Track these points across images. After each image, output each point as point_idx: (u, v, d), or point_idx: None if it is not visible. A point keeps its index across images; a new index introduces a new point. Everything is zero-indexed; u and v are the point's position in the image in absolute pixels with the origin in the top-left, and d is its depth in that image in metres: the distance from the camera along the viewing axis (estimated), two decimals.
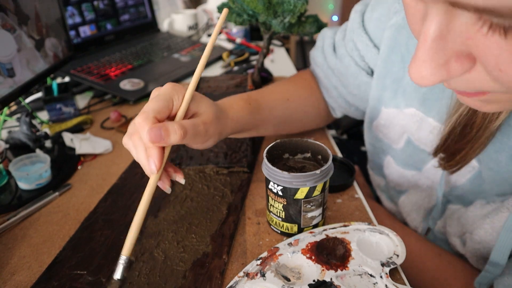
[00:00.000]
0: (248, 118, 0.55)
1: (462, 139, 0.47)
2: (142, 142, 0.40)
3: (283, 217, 0.48)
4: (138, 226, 0.39)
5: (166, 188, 0.43)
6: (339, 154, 0.69)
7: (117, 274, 0.38)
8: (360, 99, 0.65)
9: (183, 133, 0.40)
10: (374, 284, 0.41)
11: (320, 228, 0.48)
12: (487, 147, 0.46)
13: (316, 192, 0.46)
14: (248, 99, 0.57)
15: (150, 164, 0.40)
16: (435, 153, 0.52)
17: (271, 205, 0.49)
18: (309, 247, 0.45)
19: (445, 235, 0.58)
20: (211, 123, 0.45)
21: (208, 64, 1.14)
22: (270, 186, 0.48)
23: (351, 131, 1.31)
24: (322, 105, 0.70)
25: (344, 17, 3.28)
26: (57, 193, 0.60)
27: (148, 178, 0.42)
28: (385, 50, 0.57)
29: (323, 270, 0.42)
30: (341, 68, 0.64)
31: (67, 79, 1.03)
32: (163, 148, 0.40)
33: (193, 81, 0.43)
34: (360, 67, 0.62)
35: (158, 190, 0.58)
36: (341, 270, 0.42)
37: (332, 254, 0.44)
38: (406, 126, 0.57)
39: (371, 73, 0.62)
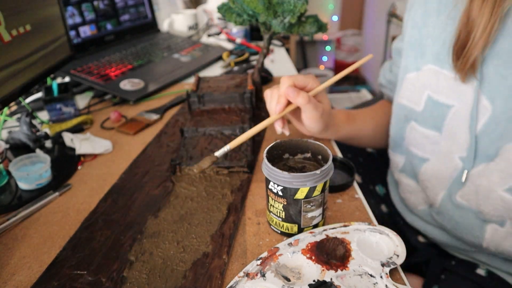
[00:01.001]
0: (347, 126, 0.71)
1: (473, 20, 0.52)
2: (278, 94, 0.58)
3: (283, 217, 0.48)
4: (250, 134, 0.55)
5: (278, 128, 0.60)
6: (339, 154, 0.69)
7: (218, 153, 0.52)
8: None
9: (308, 100, 0.56)
10: (374, 284, 0.41)
11: (320, 228, 0.48)
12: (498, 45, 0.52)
13: (316, 192, 0.46)
14: (348, 113, 0.73)
15: (276, 107, 0.57)
16: (453, 50, 0.56)
17: (271, 205, 0.49)
18: (309, 247, 0.45)
19: (469, 202, 0.61)
20: (325, 112, 0.61)
21: (208, 64, 1.15)
22: (270, 186, 0.48)
23: None
24: None
25: (344, 17, 3.27)
26: (57, 193, 0.60)
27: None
28: (408, 23, 0.67)
29: (323, 270, 0.42)
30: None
31: (67, 79, 1.03)
32: (288, 103, 0.58)
33: (327, 82, 0.60)
34: None
35: (159, 190, 0.59)
36: (341, 270, 0.42)
37: (332, 254, 0.44)
38: (425, 84, 0.64)
39: None
